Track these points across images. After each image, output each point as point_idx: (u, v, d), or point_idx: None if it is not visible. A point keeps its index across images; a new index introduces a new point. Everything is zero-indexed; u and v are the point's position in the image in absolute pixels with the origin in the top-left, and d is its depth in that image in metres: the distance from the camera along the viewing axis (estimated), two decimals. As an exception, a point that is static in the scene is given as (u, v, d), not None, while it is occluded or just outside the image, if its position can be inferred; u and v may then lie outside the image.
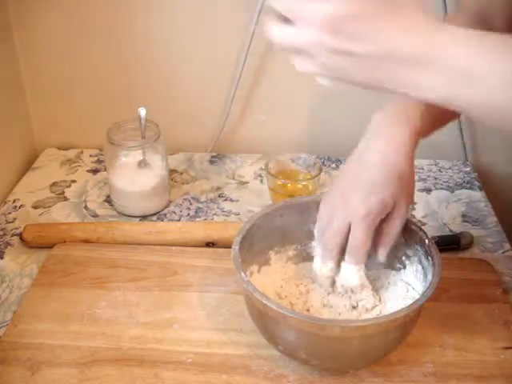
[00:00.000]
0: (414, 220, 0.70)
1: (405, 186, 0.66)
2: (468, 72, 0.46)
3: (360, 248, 0.66)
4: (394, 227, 0.67)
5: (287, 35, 0.49)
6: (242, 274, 0.65)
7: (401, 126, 0.65)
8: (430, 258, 0.67)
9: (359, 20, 0.46)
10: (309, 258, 0.77)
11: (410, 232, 0.71)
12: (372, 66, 0.47)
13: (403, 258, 0.72)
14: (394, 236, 0.68)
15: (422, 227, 0.71)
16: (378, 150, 0.65)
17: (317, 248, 0.72)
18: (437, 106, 0.68)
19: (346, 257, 0.68)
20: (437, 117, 0.69)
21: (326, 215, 0.69)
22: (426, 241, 0.69)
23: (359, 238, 0.66)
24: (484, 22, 0.72)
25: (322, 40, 0.47)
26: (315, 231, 0.72)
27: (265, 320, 0.65)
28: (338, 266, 0.70)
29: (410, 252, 0.71)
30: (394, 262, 0.73)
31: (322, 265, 0.71)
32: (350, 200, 0.66)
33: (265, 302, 0.62)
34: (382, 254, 0.69)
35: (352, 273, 0.69)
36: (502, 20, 0.72)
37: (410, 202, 0.68)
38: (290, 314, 0.61)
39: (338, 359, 0.65)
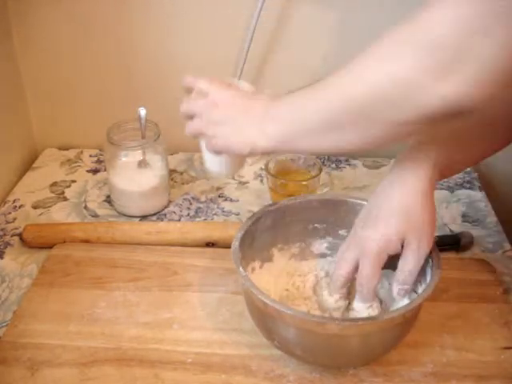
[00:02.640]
0: None
1: (413, 222, 0.64)
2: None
3: (365, 285, 0.65)
4: (406, 264, 0.65)
5: (186, 105, 0.71)
6: (241, 268, 0.65)
7: (413, 172, 0.65)
8: (430, 259, 0.66)
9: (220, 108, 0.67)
10: (312, 255, 0.77)
11: None
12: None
13: None
14: (407, 273, 0.65)
15: None
16: (391, 192, 0.65)
17: (328, 279, 0.72)
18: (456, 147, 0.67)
19: (356, 294, 0.67)
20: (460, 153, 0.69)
21: (342, 248, 0.68)
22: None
23: (364, 275, 0.65)
24: None
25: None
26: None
27: (262, 316, 0.65)
28: (346, 299, 0.69)
29: None
30: (396, 262, 0.73)
31: (328, 296, 0.70)
32: (359, 236, 0.65)
33: (262, 297, 0.62)
34: (394, 291, 0.66)
35: (362, 309, 0.68)
36: None
37: (424, 237, 0.65)
38: (286, 310, 0.61)
39: (334, 357, 0.65)
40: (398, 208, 0.64)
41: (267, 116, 0.63)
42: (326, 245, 0.78)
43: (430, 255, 0.66)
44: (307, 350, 0.64)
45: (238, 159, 0.76)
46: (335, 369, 0.68)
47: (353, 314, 0.69)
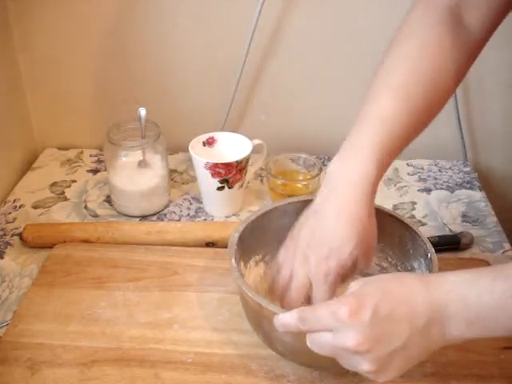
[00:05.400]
0: (420, 232, 0.70)
1: (364, 240, 0.63)
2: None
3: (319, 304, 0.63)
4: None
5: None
6: (233, 260, 0.67)
7: (354, 180, 0.63)
8: (427, 267, 0.67)
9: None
10: None
11: (416, 244, 0.70)
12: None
13: (409, 268, 0.72)
14: None
15: (427, 237, 0.70)
16: (334, 213, 0.63)
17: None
18: (396, 130, 0.64)
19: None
20: (399, 139, 0.65)
21: (286, 273, 0.66)
22: (429, 254, 0.67)
23: (320, 299, 0.64)
24: (455, 18, 0.68)
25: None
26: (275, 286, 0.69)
27: (249, 309, 0.66)
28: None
29: (415, 264, 0.71)
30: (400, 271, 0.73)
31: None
32: (309, 260, 0.64)
33: (245, 289, 0.63)
34: None
35: None
36: (474, 15, 0.67)
37: (370, 253, 0.65)
38: (265, 305, 0.61)
39: (312, 355, 0.63)
40: (353, 234, 0.62)
41: (439, 324, 0.54)
42: None
43: (426, 259, 0.66)
44: (285, 345, 0.64)
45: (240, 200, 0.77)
46: (310, 366, 0.67)
47: None
